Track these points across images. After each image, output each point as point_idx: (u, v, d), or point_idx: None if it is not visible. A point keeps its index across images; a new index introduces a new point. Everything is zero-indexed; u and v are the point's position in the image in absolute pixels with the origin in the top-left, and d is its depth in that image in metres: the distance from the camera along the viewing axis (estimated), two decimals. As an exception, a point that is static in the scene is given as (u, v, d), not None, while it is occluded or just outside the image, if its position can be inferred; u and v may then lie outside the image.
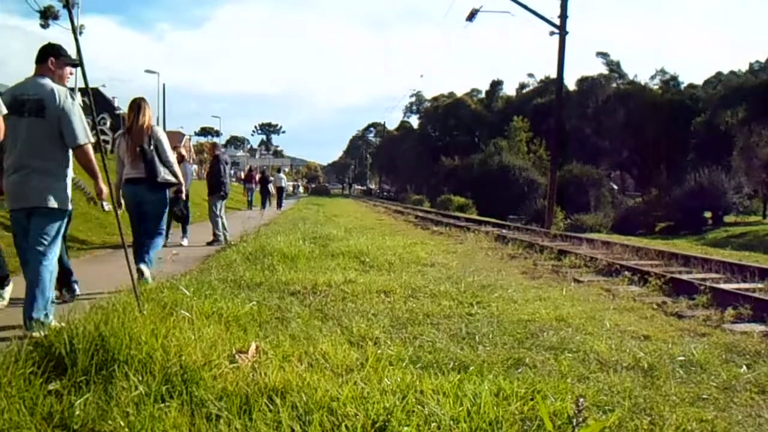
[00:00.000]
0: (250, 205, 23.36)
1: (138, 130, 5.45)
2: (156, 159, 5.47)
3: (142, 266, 5.31)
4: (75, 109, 3.85)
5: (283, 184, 26.75)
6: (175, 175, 5.68)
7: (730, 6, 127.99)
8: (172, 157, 5.81)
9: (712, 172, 28.89)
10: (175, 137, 42.17)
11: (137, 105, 5.55)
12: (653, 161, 43.90)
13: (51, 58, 3.89)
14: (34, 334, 3.17)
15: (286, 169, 38.42)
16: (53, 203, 3.80)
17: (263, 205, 23.27)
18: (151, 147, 5.47)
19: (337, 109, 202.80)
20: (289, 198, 28.97)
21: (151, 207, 5.55)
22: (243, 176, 32.22)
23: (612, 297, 5.64)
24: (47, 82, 3.82)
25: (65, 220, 4.02)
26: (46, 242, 3.80)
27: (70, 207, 4.01)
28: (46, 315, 3.68)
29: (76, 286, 5.01)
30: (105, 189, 4.20)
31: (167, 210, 5.83)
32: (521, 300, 4.98)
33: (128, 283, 3.74)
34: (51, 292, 3.82)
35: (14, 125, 3.69)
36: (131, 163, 5.52)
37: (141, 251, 5.43)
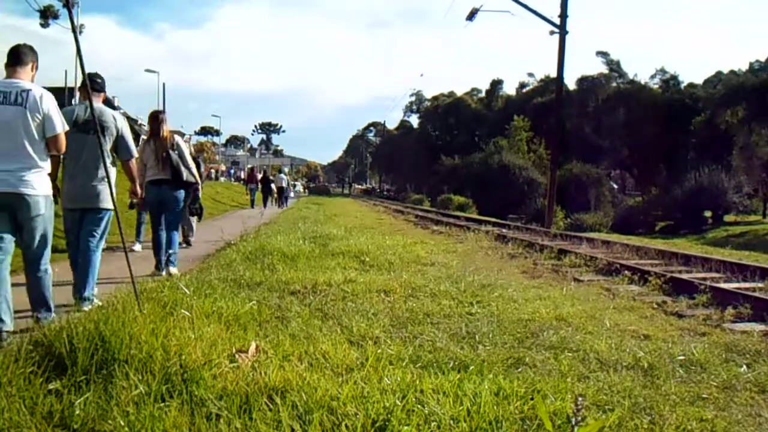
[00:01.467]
0: (252, 204, 23.93)
1: (162, 140, 6.35)
2: (180, 163, 6.37)
3: (172, 269, 6.36)
4: (128, 130, 4.85)
5: (284, 184, 27.40)
6: (194, 176, 6.62)
7: (729, 5, 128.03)
8: (191, 161, 6.73)
9: (712, 172, 28.88)
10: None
11: (157, 117, 6.53)
12: (653, 160, 43.84)
13: (104, 93, 4.94)
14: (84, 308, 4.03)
15: (286, 169, 39.16)
16: (104, 204, 4.63)
17: (264, 204, 23.85)
18: (175, 153, 6.37)
19: (338, 109, 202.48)
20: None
21: (171, 203, 6.45)
22: (245, 176, 32.78)
23: (612, 296, 5.64)
24: (106, 108, 4.79)
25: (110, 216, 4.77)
26: (97, 235, 4.64)
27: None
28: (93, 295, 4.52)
29: None
30: (140, 192, 5.29)
31: (183, 206, 6.70)
32: (521, 299, 4.98)
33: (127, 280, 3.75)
34: (96, 276, 4.63)
35: (81, 141, 4.53)
36: (156, 166, 6.32)
37: (164, 257, 6.36)
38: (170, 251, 6.39)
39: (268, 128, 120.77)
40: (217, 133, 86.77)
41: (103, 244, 4.76)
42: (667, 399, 2.84)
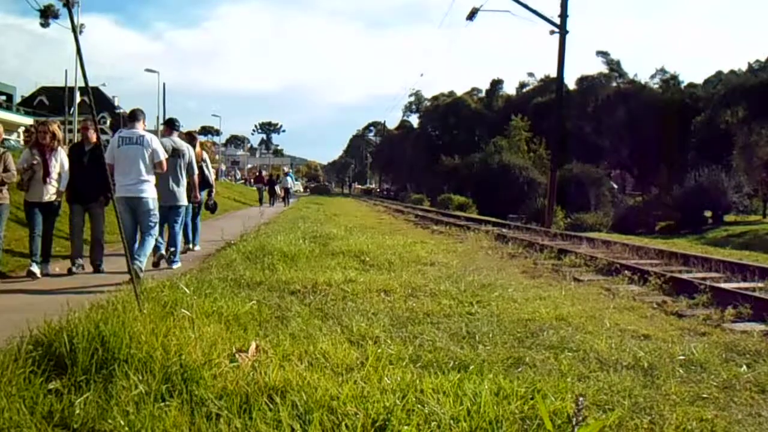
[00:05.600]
0: (260, 202, 26.92)
1: (196, 155, 8.20)
2: (207, 172, 8.99)
3: (197, 247, 8.77)
4: (194, 156, 7.63)
5: (289, 185, 30.93)
6: (212, 180, 9.18)
7: (730, 5, 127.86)
8: (211, 167, 9.61)
9: (712, 172, 28.81)
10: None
11: (193, 136, 8.62)
12: (653, 160, 43.76)
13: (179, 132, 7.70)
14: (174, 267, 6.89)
15: (286, 169, 41.13)
16: (180, 201, 7.23)
17: (271, 203, 27.12)
18: (204, 164, 8.84)
19: (337, 108, 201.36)
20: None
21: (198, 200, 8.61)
22: (253, 177, 38.86)
23: (612, 296, 5.64)
24: (182, 142, 7.48)
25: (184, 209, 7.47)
26: (179, 221, 7.27)
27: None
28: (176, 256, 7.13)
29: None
30: (199, 197, 8.14)
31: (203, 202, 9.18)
32: (521, 299, 4.98)
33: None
34: (180, 245, 7.45)
35: (168, 163, 6.66)
36: None
37: (191, 236, 8.80)
38: (197, 234, 8.96)
39: (268, 128, 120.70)
40: (218, 132, 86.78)
41: (180, 225, 7.40)
42: (667, 399, 2.84)
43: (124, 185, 6.06)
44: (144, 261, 6.05)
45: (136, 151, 6.12)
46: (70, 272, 6.57)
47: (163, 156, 6.32)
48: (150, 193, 6.19)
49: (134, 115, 6.44)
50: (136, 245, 6.09)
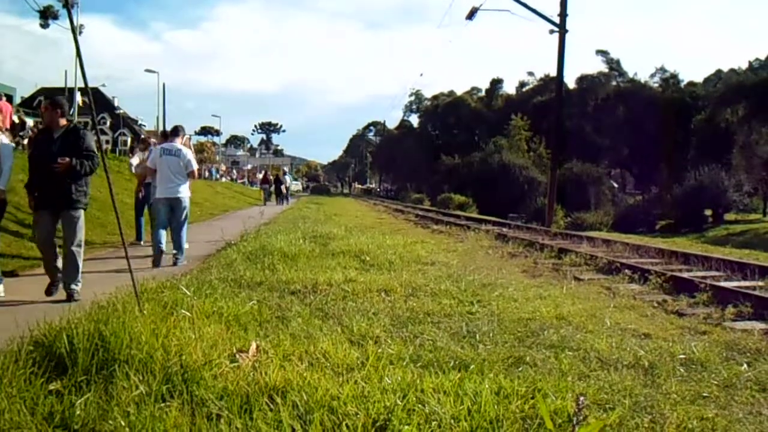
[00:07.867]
0: (265, 201, 28.48)
1: None
2: None
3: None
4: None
5: (289, 185, 33.78)
6: None
7: (729, 3, 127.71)
8: None
9: (712, 170, 28.82)
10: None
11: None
12: (653, 159, 43.76)
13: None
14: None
15: (286, 169, 42.50)
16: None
17: (278, 202, 29.09)
18: None
19: (337, 108, 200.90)
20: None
21: None
22: (258, 179, 40.50)
23: (612, 295, 5.64)
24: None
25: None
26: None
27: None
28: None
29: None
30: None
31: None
32: (522, 298, 4.98)
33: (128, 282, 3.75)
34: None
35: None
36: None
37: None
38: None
39: (268, 128, 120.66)
40: (217, 133, 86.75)
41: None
42: (668, 398, 2.84)
43: (166, 188, 7.44)
44: (183, 255, 7.51)
45: (174, 161, 7.47)
46: (49, 293, 5.15)
47: (195, 166, 7.85)
48: (185, 193, 7.58)
49: (176, 131, 7.89)
50: (162, 238, 7.32)
